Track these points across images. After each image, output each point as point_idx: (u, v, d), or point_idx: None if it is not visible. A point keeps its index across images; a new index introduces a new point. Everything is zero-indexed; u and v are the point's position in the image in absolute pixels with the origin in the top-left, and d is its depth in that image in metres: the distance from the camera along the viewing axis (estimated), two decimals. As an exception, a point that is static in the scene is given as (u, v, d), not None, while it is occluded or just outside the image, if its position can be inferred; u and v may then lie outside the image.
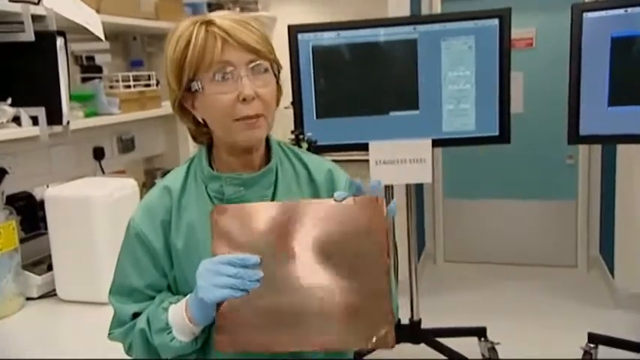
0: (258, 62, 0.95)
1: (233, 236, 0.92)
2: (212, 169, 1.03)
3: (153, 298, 1.02)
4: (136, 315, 1.02)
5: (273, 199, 1.02)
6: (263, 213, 0.93)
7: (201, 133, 1.04)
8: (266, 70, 0.96)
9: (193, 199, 1.02)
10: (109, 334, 1.06)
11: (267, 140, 1.06)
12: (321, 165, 1.10)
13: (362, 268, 0.90)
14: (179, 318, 0.94)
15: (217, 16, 0.95)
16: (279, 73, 1.01)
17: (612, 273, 3.47)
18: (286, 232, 0.92)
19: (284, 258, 0.91)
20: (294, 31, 2.57)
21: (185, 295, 0.98)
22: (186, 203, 1.02)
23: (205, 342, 0.99)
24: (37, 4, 1.59)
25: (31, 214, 1.97)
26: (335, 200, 0.92)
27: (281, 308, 0.91)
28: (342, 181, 1.08)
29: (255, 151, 1.02)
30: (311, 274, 0.91)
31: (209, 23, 0.94)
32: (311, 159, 1.11)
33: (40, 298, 1.68)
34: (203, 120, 1.00)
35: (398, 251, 2.81)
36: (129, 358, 1.05)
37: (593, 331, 2.73)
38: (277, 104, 1.04)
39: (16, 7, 1.53)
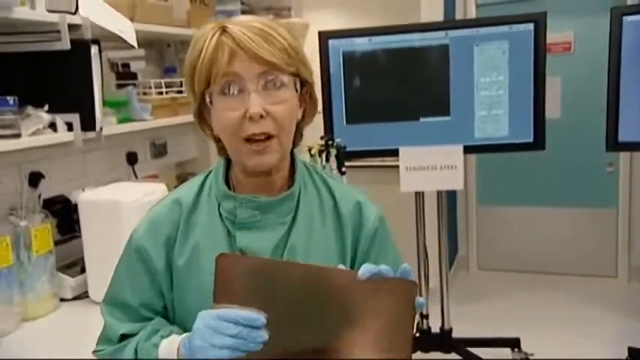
0: (270, 76, 0.85)
1: (239, 289, 0.81)
2: (228, 186, 0.95)
3: (146, 317, 0.96)
4: (124, 336, 0.95)
5: (291, 226, 0.94)
6: (277, 270, 0.82)
7: (220, 147, 0.96)
8: (281, 86, 0.86)
9: (203, 217, 0.94)
10: (95, 350, 0.98)
11: (293, 160, 0.97)
12: (349, 195, 0.99)
13: (382, 348, 0.82)
14: None
15: (234, 22, 0.87)
16: (302, 87, 0.91)
17: (654, 285, 3.36)
18: (300, 296, 0.81)
19: (293, 322, 0.82)
20: (324, 37, 2.58)
21: (179, 323, 0.94)
22: (195, 220, 0.95)
23: None
24: (74, 14, 1.64)
25: (67, 218, 2.02)
26: (360, 277, 0.80)
27: None
28: (371, 217, 0.97)
29: (276, 172, 0.93)
30: (322, 344, 0.82)
31: (223, 30, 0.86)
32: (339, 187, 1.00)
33: (73, 299, 1.72)
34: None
35: (428, 258, 2.77)
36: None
37: (633, 345, 2.63)
38: (305, 121, 0.96)
39: (54, 17, 1.57)
